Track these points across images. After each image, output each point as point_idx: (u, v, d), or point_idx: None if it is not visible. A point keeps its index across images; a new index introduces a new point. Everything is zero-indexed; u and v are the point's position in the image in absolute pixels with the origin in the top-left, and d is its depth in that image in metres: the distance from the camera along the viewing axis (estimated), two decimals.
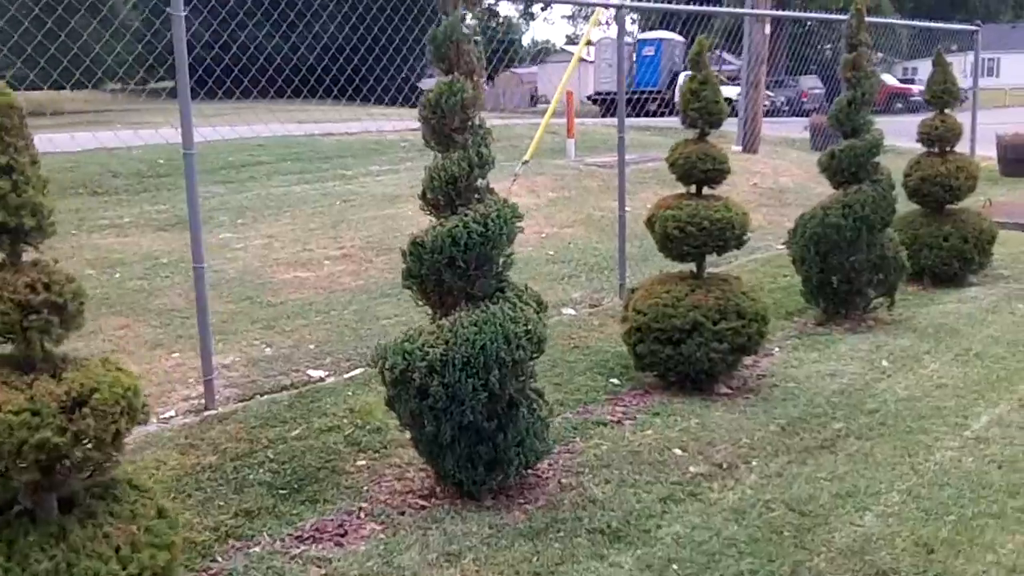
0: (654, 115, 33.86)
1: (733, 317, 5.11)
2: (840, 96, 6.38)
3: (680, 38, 37.04)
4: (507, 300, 3.91)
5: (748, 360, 5.76)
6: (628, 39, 41.28)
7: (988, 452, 4.31)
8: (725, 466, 4.24)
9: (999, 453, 4.30)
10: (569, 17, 69.09)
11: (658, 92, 36.89)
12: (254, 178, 11.37)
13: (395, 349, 3.84)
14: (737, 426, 4.70)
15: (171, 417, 4.94)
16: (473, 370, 3.73)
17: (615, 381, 5.46)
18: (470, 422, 3.79)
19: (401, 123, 15.06)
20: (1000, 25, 71.81)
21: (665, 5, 11.12)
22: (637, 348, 5.27)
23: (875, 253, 6.29)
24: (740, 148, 14.18)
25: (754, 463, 4.28)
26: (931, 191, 7.39)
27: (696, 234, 5.09)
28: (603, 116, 36.33)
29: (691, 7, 9.50)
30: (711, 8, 10.12)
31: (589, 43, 11.32)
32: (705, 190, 5.31)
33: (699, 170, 5.14)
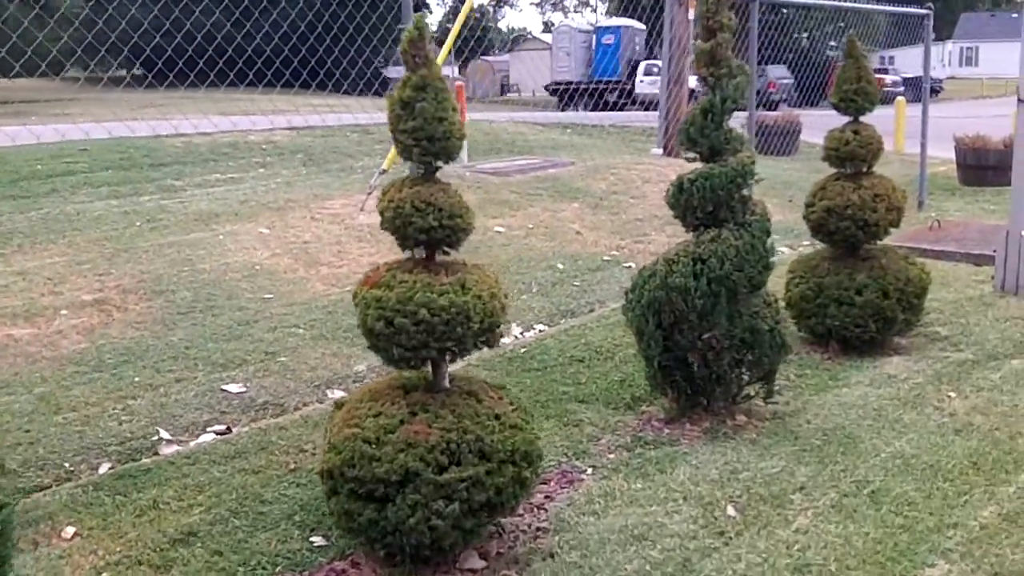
0: (614, 107, 32.09)
1: (472, 459, 3.20)
2: (695, 103, 4.49)
3: (641, 25, 35.18)
4: None
5: (538, 494, 3.88)
6: (587, 26, 39.41)
7: None
8: None
9: None
10: (537, 4, 67.11)
11: (617, 82, 35.03)
12: (56, 191, 9.38)
13: None
14: None
15: None
16: None
17: (318, 541, 3.56)
18: None
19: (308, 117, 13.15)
20: (980, 13, 70.38)
21: None
22: (331, 502, 3.37)
23: (741, 327, 4.40)
24: (660, 151, 12.24)
25: None
26: (839, 227, 5.49)
27: (410, 330, 3.17)
28: (562, 108, 34.56)
29: None
30: None
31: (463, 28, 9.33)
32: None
33: (417, 228, 3.23)
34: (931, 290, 5.99)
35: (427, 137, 3.17)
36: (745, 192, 4.46)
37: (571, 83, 35.21)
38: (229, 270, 7.22)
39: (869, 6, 10.66)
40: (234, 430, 4.65)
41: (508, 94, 50.40)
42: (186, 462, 4.21)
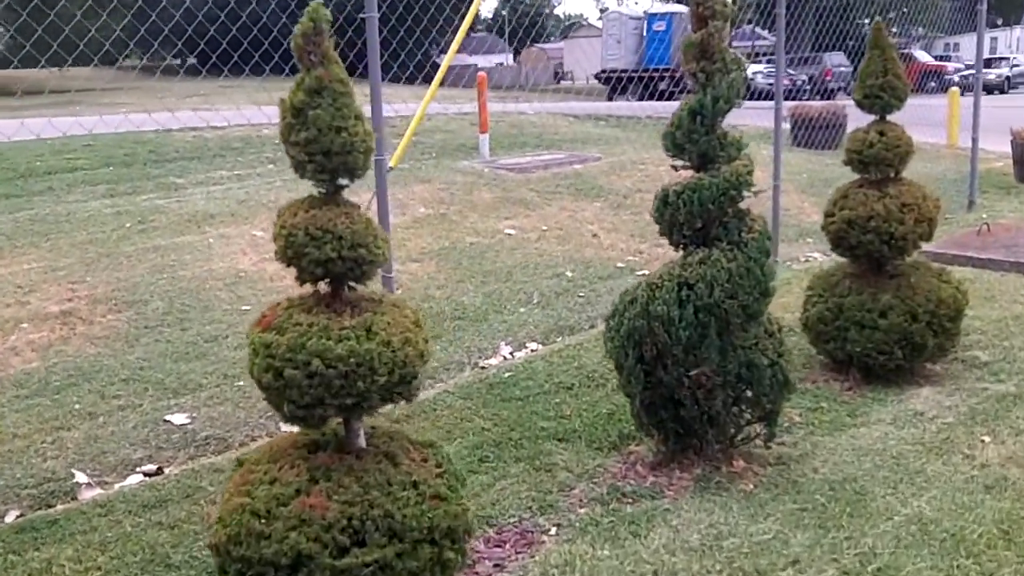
0: (664, 95, 31.22)
1: (379, 539, 2.67)
2: (682, 103, 3.90)
3: None
4: None
5: (487, 560, 3.35)
6: (638, 12, 38.53)
7: None
8: None
9: None
10: None
11: (668, 70, 34.07)
12: (52, 189, 9.03)
13: None
14: None
15: None
16: None
17: None
18: None
19: None
20: None
21: None
22: None
23: (736, 361, 3.80)
24: None
25: None
26: (862, 241, 4.84)
27: (302, 383, 2.64)
28: (610, 98, 33.79)
29: None
30: None
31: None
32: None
33: (312, 261, 2.68)
34: (973, 306, 5.36)
35: (322, 151, 2.62)
36: (740, 206, 3.86)
37: (620, 71, 34.43)
38: (211, 277, 6.77)
39: None
40: (166, 471, 4.17)
41: (563, 82, 49.71)
42: (99, 512, 3.74)
